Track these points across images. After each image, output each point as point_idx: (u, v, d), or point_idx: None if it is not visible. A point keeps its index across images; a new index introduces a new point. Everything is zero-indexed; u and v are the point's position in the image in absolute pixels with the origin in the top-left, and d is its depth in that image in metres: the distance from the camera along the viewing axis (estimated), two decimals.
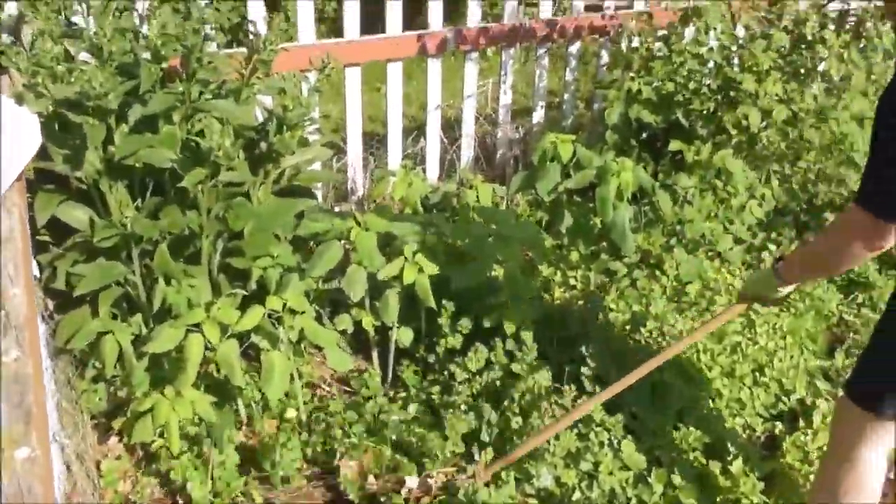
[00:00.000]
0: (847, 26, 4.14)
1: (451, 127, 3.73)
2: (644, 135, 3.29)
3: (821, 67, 3.18)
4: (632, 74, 3.23)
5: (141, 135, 1.92)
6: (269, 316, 1.93)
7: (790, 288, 1.69)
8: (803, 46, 3.11)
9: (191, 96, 1.97)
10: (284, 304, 1.94)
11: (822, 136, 3.22)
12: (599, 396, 1.91)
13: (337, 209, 3.13)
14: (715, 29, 3.15)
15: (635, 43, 3.45)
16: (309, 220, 2.21)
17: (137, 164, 1.91)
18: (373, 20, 3.25)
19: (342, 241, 2.21)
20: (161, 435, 1.94)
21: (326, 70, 2.30)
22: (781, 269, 1.65)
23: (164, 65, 1.99)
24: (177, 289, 1.84)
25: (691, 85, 3.07)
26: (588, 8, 3.86)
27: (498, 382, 2.17)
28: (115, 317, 2.00)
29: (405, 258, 2.08)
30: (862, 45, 3.30)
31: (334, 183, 3.27)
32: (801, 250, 1.69)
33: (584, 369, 2.23)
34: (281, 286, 1.98)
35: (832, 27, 3.39)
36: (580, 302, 2.70)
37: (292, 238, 2.20)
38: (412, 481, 1.90)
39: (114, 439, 2.05)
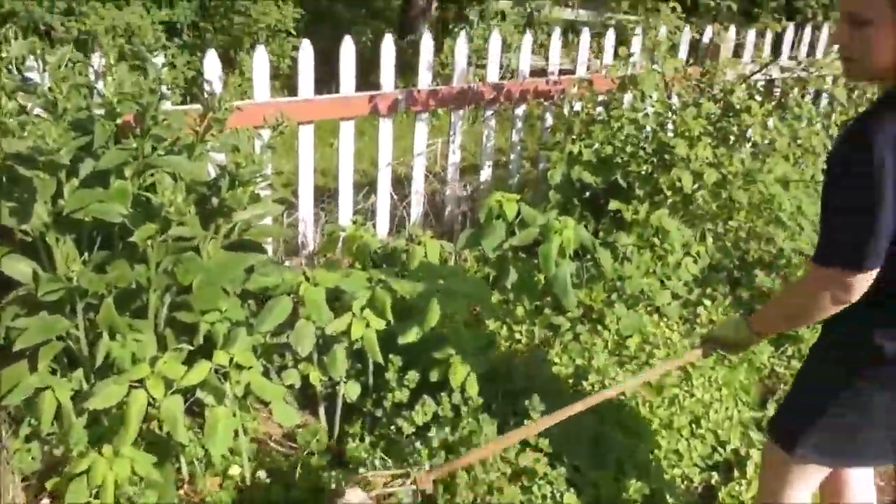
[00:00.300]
0: (774, 95, 4.44)
1: (401, 183, 3.82)
2: (586, 194, 3.43)
3: (749, 133, 3.41)
4: (573, 137, 3.39)
5: (92, 189, 1.94)
6: (216, 371, 1.94)
7: (759, 340, 1.78)
8: (731, 114, 3.33)
9: (144, 152, 2.00)
10: (231, 359, 1.95)
11: (750, 196, 3.41)
12: (545, 420, 1.94)
13: (287, 264, 3.16)
14: (650, 97, 3.35)
15: (577, 107, 3.63)
16: (258, 275, 2.23)
17: (87, 219, 1.92)
18: (327, 78, 3.36)
19: (291, 296, 2.24)
20: (97, 496, 1.90)
21: (280, 128, 2.37)
22: (755, 321, 1.72)
23: (119, 121, 2.03)
24: (121, 343, 1.84)
25: (629, 148, 3.24)
26: (533, 73, 4.04)
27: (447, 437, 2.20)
28: (54, 372, 1.97)
29: (353, 313, 2.12)
30: (784, 114, 3.54)
31: (285, 238, 3.30)
32: (772, 305, 1.78)
33: (527, 422, 2.27)
34: (228, 341, 1.99)
35: (758, 97, 3.64)
36: (525, 356, 2.77)
37: (241, 292, 2.22)
38: (353, 495, 1.83)
39: (46, 501, 2.00)
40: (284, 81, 6.13)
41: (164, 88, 2.08)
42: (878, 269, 1.40)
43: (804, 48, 5.27)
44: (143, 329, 1.94)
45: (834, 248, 1.44)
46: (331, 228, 3.01)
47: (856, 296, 1.43)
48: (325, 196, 3.66)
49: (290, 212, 3.34)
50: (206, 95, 2.23)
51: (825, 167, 1.45)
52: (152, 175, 2.06)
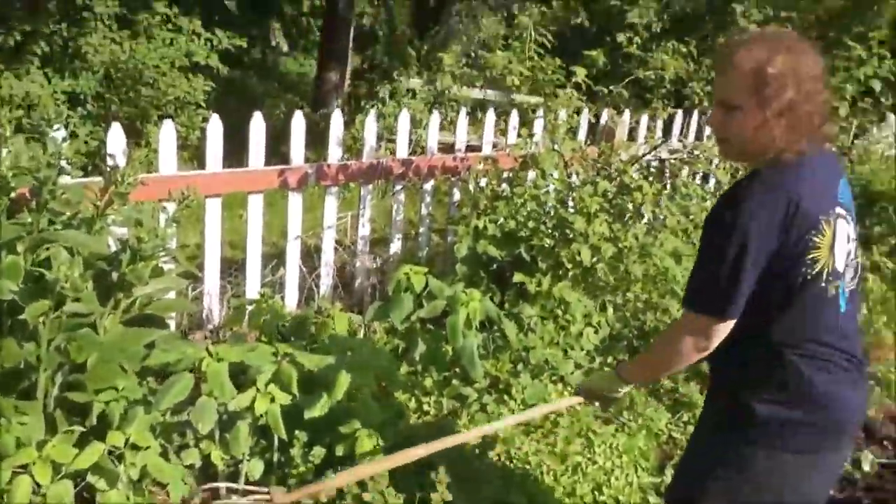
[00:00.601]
0: (666, 175, 4.77)
1: (311, 256, 3.83)
2: (493, 267, 3.55)
3: (643, 210, 3.64)
4: (479, 212, 3.52)
5: None
6: (110, 453, 1.86)
7: (627, 388, 1.88)
8: (625, 192, 3.56)
9: (39, 226, 1.96)
10: (127, 440, 1.88)
11: (646, 269, 3.61)
12: (426, 447, 1.95)
13: (191, 338, 3.08)
14: (551, 175, 3.54)
15: (483, 183, 3.78)
16: (159, 351, 2.18)
17: None
18: (238, 150, 3.38)
19: (194, 372, 2.19)
20: None
21: (186, 202, 2.36)
22: (622, 370, 1.85)
23: (13, 195, 1.98)
24: (5, 427, 1.74)
25: (531, 223, 3.39)
26: (442, 148, 4.19)
27: None
28: None
29: (257, 388, 2.10)
30: (673, 194, 3.81)
31: (189, 312, 3.23)
32: (640, 354, 1.91)
33: (433, 495, 2.27)
34: (124, 420, 1.92)
35: (650, 178, 3.91)
36: (433, 427, 2.78)
37: (141, 369, 2.15)
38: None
39: None
40: (193, 152, 6.09)
41: (63, 162, 2.05)
42: (734, 321, 1.55)
43: (692, 132, 5.71)
44: (30, 411, 1.84)
45: (698, 295, 1.59)
46: (237, 301, 2.97)
47: (713, 343, 1.57)
48: (233, 269, 3.63)
49: (196, 285, 3.29)
50: (108, 168, 2.22)
51: (703, 226, 1.62)
52: (47, 249, 2.00)
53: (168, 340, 2.27)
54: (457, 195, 4.11)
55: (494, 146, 4.30)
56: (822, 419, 1.57)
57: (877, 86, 5.41)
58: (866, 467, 2.98)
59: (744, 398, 1.60)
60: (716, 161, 4.71)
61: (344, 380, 2.27)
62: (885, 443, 3.28)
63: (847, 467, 3.02)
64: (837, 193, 1.61)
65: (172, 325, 2.99)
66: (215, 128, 3.08)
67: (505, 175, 3.76)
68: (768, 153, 1.54)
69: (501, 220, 3.48)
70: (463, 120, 4.12)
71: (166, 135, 2.95)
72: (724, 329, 1.56)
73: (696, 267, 1.61)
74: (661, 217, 3.72)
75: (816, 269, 1.53)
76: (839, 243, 1.57)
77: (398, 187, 3.92)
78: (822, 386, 1.56)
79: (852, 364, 1.61)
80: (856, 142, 6.24)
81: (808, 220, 1.50)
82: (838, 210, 1.59)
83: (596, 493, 2.60)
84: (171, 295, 2.73)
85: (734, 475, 1.63)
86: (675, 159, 4.88)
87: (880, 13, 9.01)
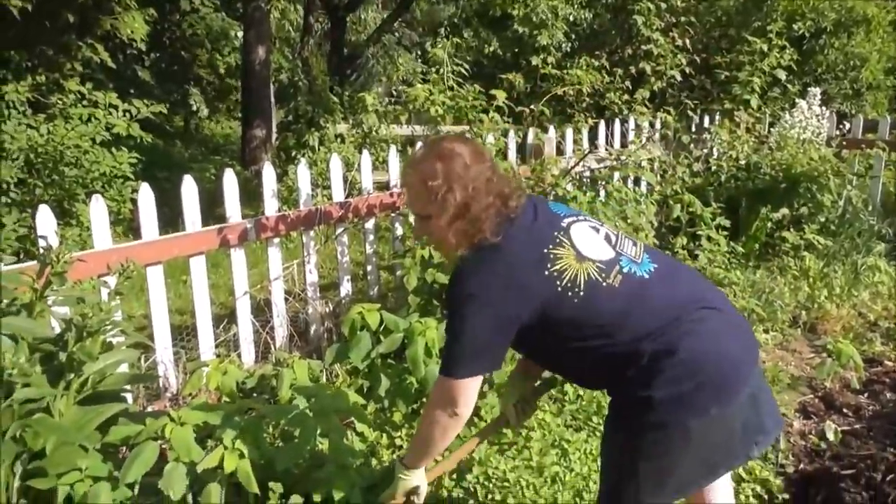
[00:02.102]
0: (599, 183, 4.93)
1: (262, 309, 3.80)
2: (444, 294, 3.58)
3: None
4: (423, 242, 3.57)
5: None
6: None
7: (419, 477, 1.92)
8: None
9: None
10: None
11: None
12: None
13: (151, 409, 3.01)
14: None
15: None
16: (119, 426, 2.13)
17: None
18: (174, 217, 3.35)
19: (159, 441, 2.15)
20: None
21: (126, 273, 2.34)
22: (403, 459, 1.93)
23: None
24: None
25: None
26: (380, 187, 4.24)
27: None
28: None
29: (224, 446, 2.07)
30: (606, 199, 3.94)
31: (144, 383, 3.16)
32: (415, 434, 1.94)
33: None
34: (91, 500, 1.87)
35: (584, 188, 4.04)
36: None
37: (103, 446, 2.10)
38: None
39: None
40: (128, 226, 5.98)
41: None
42: (477, 378, 1.71)
43: (617, 139, 5.92)
44: None
45: (445, 358, 1.75)
46: (193, 366, 2.93)
47: (461, 403, 1.72)
48: (185, 333, 3.57)
49: (149, 355, 3.22)
50: (41, 251, 2.18)
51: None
52: None
53: (126, 414, 2.23)
54: (399, 229, 4.15)
55: None
56: (706, 375, 1.65)
57: (781, 75, 5.73)
58: (831, 436, 3.10)
59: (637, 391, 1.67)
60: (644, 163, 4.90)
61: (311, 425, 2.27)
62: (845, 411, 3.42)
63: (813, 439, 3.14)
64: (556, 213, 1.80)
65: (130, 398, 2.91)
66: (146, 196, 3.06)
67: None
68: (467, 245, 1.72)
69: None
70: (394, 156, 4.19)
71: (97, 210, 2.92)
72: (466, 388, 1.71)
73: (446, 340, 1.76)
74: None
75: (582, 281, 1.67)
76: (587, 243, 1.73)
77: (340, 230, 3.94)
78: (684, 350, 1.65)
79: (698, 309, 1.70)
80: (771, 129, 6.56)
81: (532, 266, 1.67)
82: (565, 222, 1.77)
83: (577, 499, 2.64)
84: (124, 368, 2.67)
85: (657, 461, 1.69)
86: (603, 167, 5.04)
87: (774, 6, 9.58)
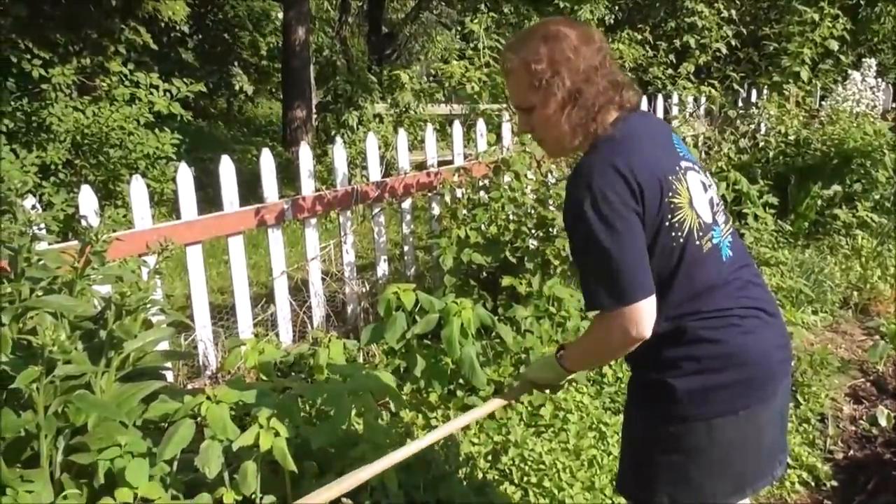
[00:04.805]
0: None
1: (300, 289, 3.83)
2: (483, 274, 3.55)
3: None
4: (459, 222, 3.53)
5: None
6: None
7: (571, 376, 1.78)
8: None
9: (21, 295, 1.95)
10: (136, 496, 1.86)
11: None
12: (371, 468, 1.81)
13: (190, 387, 3.06)
14: (525, 176, 3.56)
15: (459, 194, 3.80)
16: (158, 403, 2.16)
17: None
18: (216, 197, 3.38)
19: (196, 419, 2.18)
20: None
21: (165, 253, 2.36)
22: (563, 358, 1.71)
23: None
24: (13, 497, 1.72)
25: (512, 226, 3.40)
26: (418, 166, 4.21)
27: None
28: None
29: (260, 424, 2.08)
30: None
31: (183, 360, 3.21)
32: (578, 346, 1.74)
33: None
34: (131, 475, 1.90)
35: None
36: (442, 441, 2.77)
37: (143, 423, 2.14)
38: None
39: None
40: (171, 207, 6.09)
41: (35, 229, 2.05)
42: (652, 296, 1.45)
43: (660, 115, 5.77)
44: (35, 479, 1.82)
45: (596, 290, 1.48)
46: (231, 344, 2.96)
47: (645, 326, 1.45)
48: (224, 312, 3.62)
49: (189, 333, 3.28)
50: (82, 230, 2.21)
51: (566, 227, 1.53)
52: (32, 318, 2.00)
53: (166, 392, 2.26)
54: (436, 209, 4.13)
55: (465, 157, 4.33)
56: (745, 374, 1.53)
57: (834, 46, 5.50)
58: (883, 422, 2.99)
59: (661, 377, 1.55)
60: (687, 140, 4.76)
61: (346, 405, 2.26)
62: None
63: (864, 424, 3.03)
64: (675, 148, 1.61)
65: (170, 376, 2.97)
66: (185, 176, 3.09)
67: (480, 183, 3.78)
68: (583, 139, 1.53)
69: (483, 227, 3.49)
70: (430, 136, 4.15)
71: (137, 190, 2.96)
72: (646, 308, 1.46)
73: (585, 266, 1.52)
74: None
75: (686, 229, 1.50)
76: (697, 196, 1.55)
77: (376, 210, 3.93)
78: (732, 342, 1.52)
79: (756, 309, 1.57)
80: (822, 103, 6.33)
81: (655, 185, 1.47)
82: (684, 164, 1.57)
83: (614, 483, 2.59)
84: (164, 346, 2.71)
85: (674, 455, 1.57)
86: None
87: None
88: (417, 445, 1.80)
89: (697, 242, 1.52)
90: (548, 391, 1.93)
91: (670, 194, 1.49)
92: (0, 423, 1.82)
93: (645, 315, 1.45)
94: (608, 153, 1.48)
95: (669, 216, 1.48)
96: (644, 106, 5.57)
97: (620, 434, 1.76)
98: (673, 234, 1.49)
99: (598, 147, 1.51)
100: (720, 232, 1.59)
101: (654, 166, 1.49)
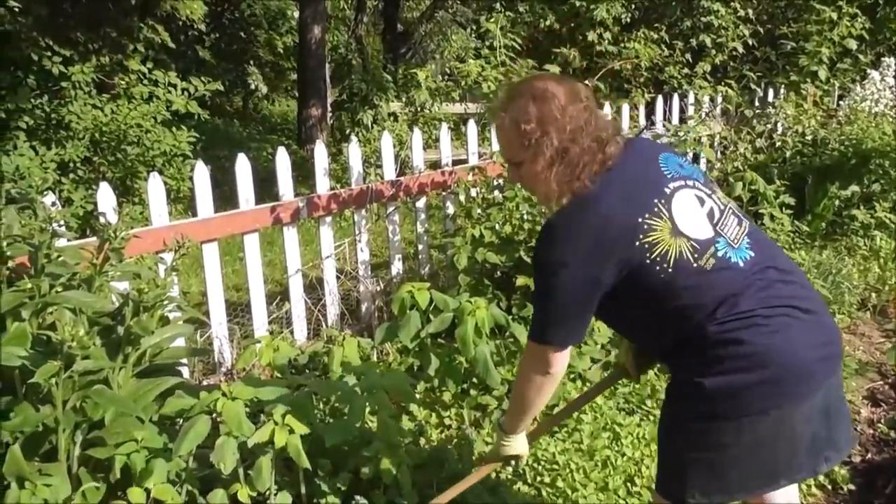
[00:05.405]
0: None
1: (314, 287, 3.84)
2: (497, 273, 3.55)
3: None
4: (474, 221, 3.53)
5: None
6: None
7: (520, 441, 1.88)
8: None
9: (40, 291, 1.97)
10: (148, 496, 1.89)
11: None
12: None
13: (206, 383, 3.09)
14: None
15: (474, 193, 3.80)
16: (174, 398, 2.18)
17: None
18: (231, 195, 3.40)
19: (212, 415, 2.20)
20: None
21: (181, 250, 2.38)
22: (503, 425, 1.87)
23: (11, 264, 2.00)
24: (31, 490, 1.75)
25: (527, 225, 3.40)
26: (432, 165, 4.22)
27: None
28: None
29: (275, 421, 2.10)
30: None
31: (199, 357, 3.24)
32: (510, 403, 1.87)
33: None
34: (147, 471, 1.92)
35: None
36: (457, 440, 2.77)
37: (159, 418, 2.16)
38: None
39: None
40: (188, 205, 6.13)
41: (55, 226, 2.07)
42: (567, 348, 1.65)
43: (675, 115, 5.74)
44: (53, 472, 1.85)
45: (536, 326, 1.66)
46: (246, 342, 2.98)
47: (556, 367, 1.66)
48: (240, 309, 3.64)
49: (205, 330, 3.30)
50: (100, 227, 2.24)
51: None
52: (51, 313, 2.02)
53: (182, 388, 2.28)
54: (450, 208, 4.13)
55: (480, 156, 4.32)
56: (774, 373, 1.53)
57: (852, 45, 5.44)
58: None
59: (691, 375, 1.59)
60: (703, 139, 4.73)
61: (360, 403, 2.27)
62: None
63: (882, 428, 3.00)
64: (662, 173, 1.64)
65: (186, 372, 2.99)
66: (202, 174, 3.11)
67: (495, 182, 3.78)
68: (565, 192, 1.60)
69: (497, 226, 3.49)
70: (445, 135, 4.15)
71: (154, 187, 2.98)
72: (563, 355, 1.65)
73: (534, 301, 1.69)
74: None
75: (672, 259, 1.54)
76: (686, 218, 1.58)
77: (391, 209, 3.94)
78: (757, 342, 1.53)
79: (785, 307, 1.57)
80: (840, 103, 6.26)
81: (624, 235, 1.54)
82: (672, 186, 1.61)
83: (628, 484, 2.59)
84: (180, 342, 2.74)
85: (706, 452, 1.61)
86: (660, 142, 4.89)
87: None
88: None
89: (695, 265, 1.56)
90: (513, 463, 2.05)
91: (641, 236, 1.55)
92: (20, 417, 1.84)
93: (560, 359, 1.65)
94: (580, 212, 1.58)
95: (648, 255, 1.55)
96: (660, 104, 5.55)
97: (658, 436, 1.79)
98: (657, 268, 1.55)
99: (574, 204, 1.60)
100: (726, 242, 1.60)
101: (624, 218, 1.56)
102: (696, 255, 1.56)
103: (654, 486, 1.78)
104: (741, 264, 1.58)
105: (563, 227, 1.58)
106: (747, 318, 1.54)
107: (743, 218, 1.69)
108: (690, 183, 1.65)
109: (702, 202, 1.62)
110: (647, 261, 1.55)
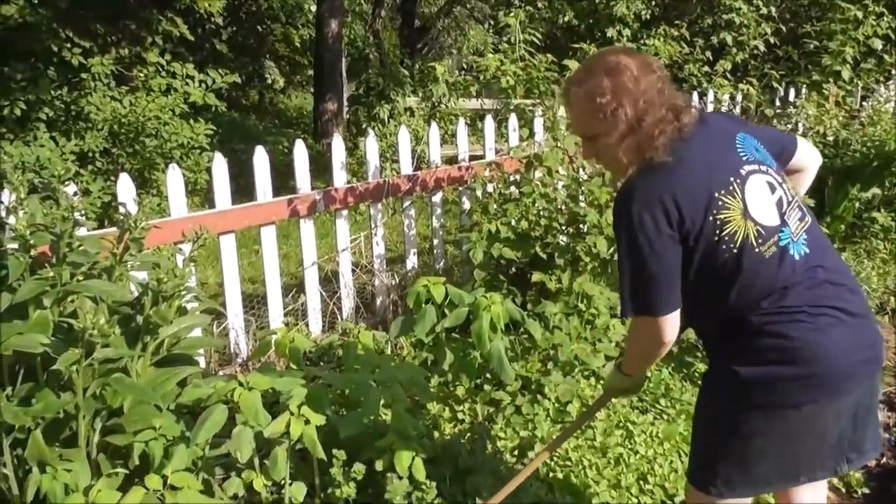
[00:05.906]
0: None
1: (330, 280, 3.86)
2: (512, 269, 3.55)
3: None
4: (490, 217, 3.53)
5: (10, 323, 1.91)
6: (156, 492, 1.88)
7: (635, 378, 1.92)
8: None
9: (62, 280, 2.00)
10: (165, 482, 1.91)
11: None
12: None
13: (221, 373, 3.11)
14: (557, 171, 3.55)
15: (490, 188, 3.79)
16: (192, 387, 2.20)
17: (6, 353, 1.88)
18: (248, 187, 3.42)
19: (228, 404, 2.22)
20: None
21: (199, 241, 2.40)
22: (621, 366, 1.90)
23: (33, 252, 2.02)
24: (52, 475, 1.77)
25: (543, 221, 3.39)
26: (449, 161, 4.22)
27: None
28: None
29: (291, 412, 2.11)
30: None
31: (216, 347, 3.26)
32: (626, 350, 1.91)
33: (478, 501, 2.28)
34: (165, 459, 1.94)
35: None
36: (470, 434, 2.78)
37: (176, 407, 2.18)
38: None
39: None
40: (204, 197, 6.17)
41: (77, 215, 2.09)
42: (673, 311, 1.60)
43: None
44: (74, 458, 1.87)
45: (633, 301, 1.63)
46: (262, 333, 3.00)
47: (667, 335, 1.62)
48: (255, 301, 3.66)
49: (221, 321, 3.32)
50: (121, 217, 2.26)
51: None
52: (72, 301, 2.04)
53: (199, 377, 2.30)
54: (466, 203, 4.13)
55: (497, 152, 4.32)
56: (811, 370, 1.54)
57: (877, 44, 5.37)
58: None
59: (727, 364, 1.61)
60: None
61: (375, 395, 2.28)
62: None
63: None
64: (737, 154, 1.63)
65: (202, 362, 3.02)
66: (220, 166, 3.13)
67: (511, 178, 3.77)
68: (642, 162, 1.61)
69: (513, 221, 3.49)
70: (462, 130, 4.15)
71: (173, 179, 3.00)
72: (671, 321, 1.61)
73: (622, 274, 1.64)
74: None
75: (739, 240, 1.55)
76: (756, 202, 1.58)
77: (407, 203, 3.95)
78: (798, 338, 1.54)
79: (832, 308, 1.57)
80: (864, 103, 6.19)
81: (699, 209, 1.54)
82: (746, 168, 1.61)
83: (641, 482, 2.58)
84: (197, 332, 2.76)
85: (732, 442, 1.63)
86: None
87: None
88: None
89: (756, 250, 1.56)
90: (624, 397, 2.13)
91: (715, 212, 1.55)
92: (41, 404, 1.87)
93: (665, 327, 1.61)
94: (656, 181, 1.57)
95: (718, 232, 1.55)
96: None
97: (693, 418, 1.84)
98: (724, 247, 1.56)
99: (649, 172, 1.59)
100: (789, 232, 1.61)
101: (699, 190, 1.56)
102: (759, 241, 1.57)
103: (687, 477, 1.82)
104: (796, 258, 1.59)
105: (639, 191, 1.57)
106: (790, 313, 1.56)
107: (806, 213, 1.69)
108: (764, 168, 1.64)
109: (773, 189, 1.62)
110: (716, 237, 1.55)
